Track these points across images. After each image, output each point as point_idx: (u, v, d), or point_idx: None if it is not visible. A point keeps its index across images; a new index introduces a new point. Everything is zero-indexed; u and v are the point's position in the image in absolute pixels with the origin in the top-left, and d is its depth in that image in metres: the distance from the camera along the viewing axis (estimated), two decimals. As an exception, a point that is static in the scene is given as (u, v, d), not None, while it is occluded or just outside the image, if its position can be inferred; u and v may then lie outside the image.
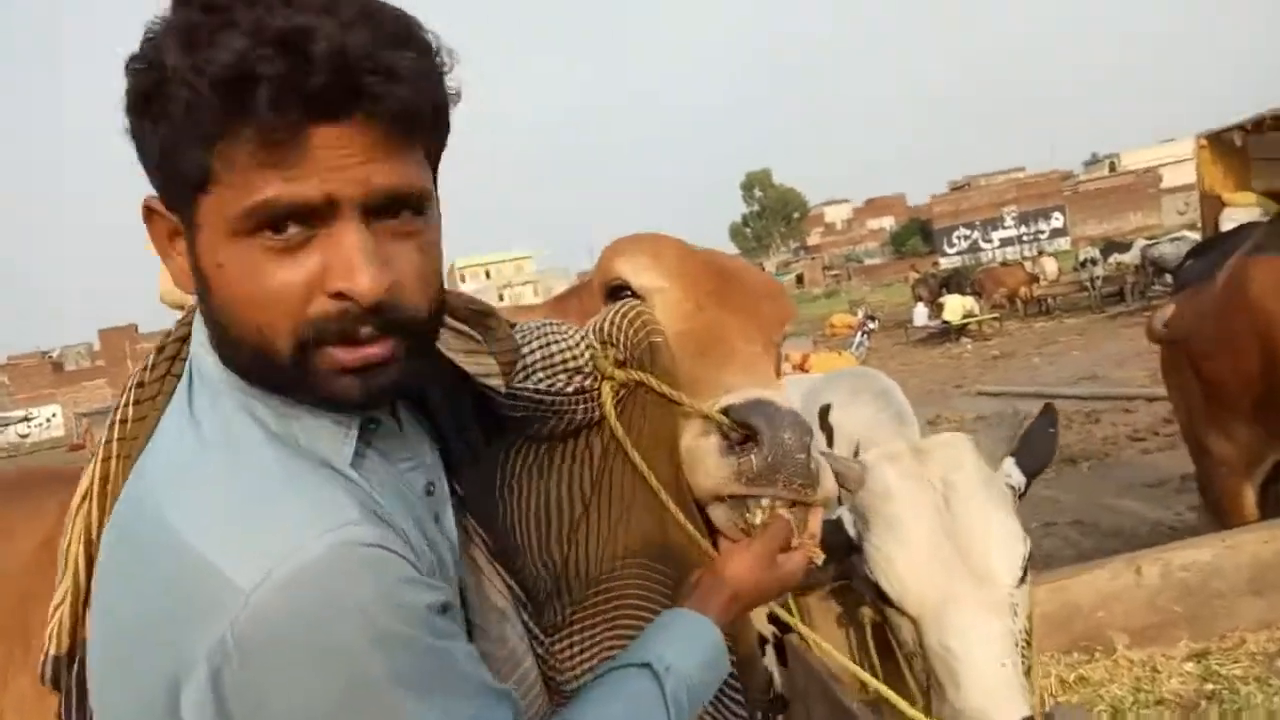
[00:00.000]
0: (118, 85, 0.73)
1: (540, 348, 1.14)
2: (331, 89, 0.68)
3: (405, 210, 0.76)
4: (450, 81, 0.79)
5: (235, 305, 0.74)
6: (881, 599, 1.64)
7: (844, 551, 1.69)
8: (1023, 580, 1.57)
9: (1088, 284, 19.49)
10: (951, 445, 1.70)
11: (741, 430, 1.06)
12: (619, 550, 1.11)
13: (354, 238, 0.72)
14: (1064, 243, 53.10)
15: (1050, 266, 21.98)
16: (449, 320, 0.95)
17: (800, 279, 59.99)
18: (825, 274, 66.96)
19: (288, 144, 0.69)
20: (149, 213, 0.79)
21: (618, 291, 1.28)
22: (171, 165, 0.73)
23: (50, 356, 66.41)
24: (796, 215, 76.43)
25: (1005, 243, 56.54)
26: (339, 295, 0.72)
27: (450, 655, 0.74)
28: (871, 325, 18.56)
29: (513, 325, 1.13)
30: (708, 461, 1.10)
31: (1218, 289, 3.32)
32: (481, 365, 0.99)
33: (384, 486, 0.80)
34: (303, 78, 0.67)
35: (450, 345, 0.96)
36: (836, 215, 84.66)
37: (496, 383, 1.00)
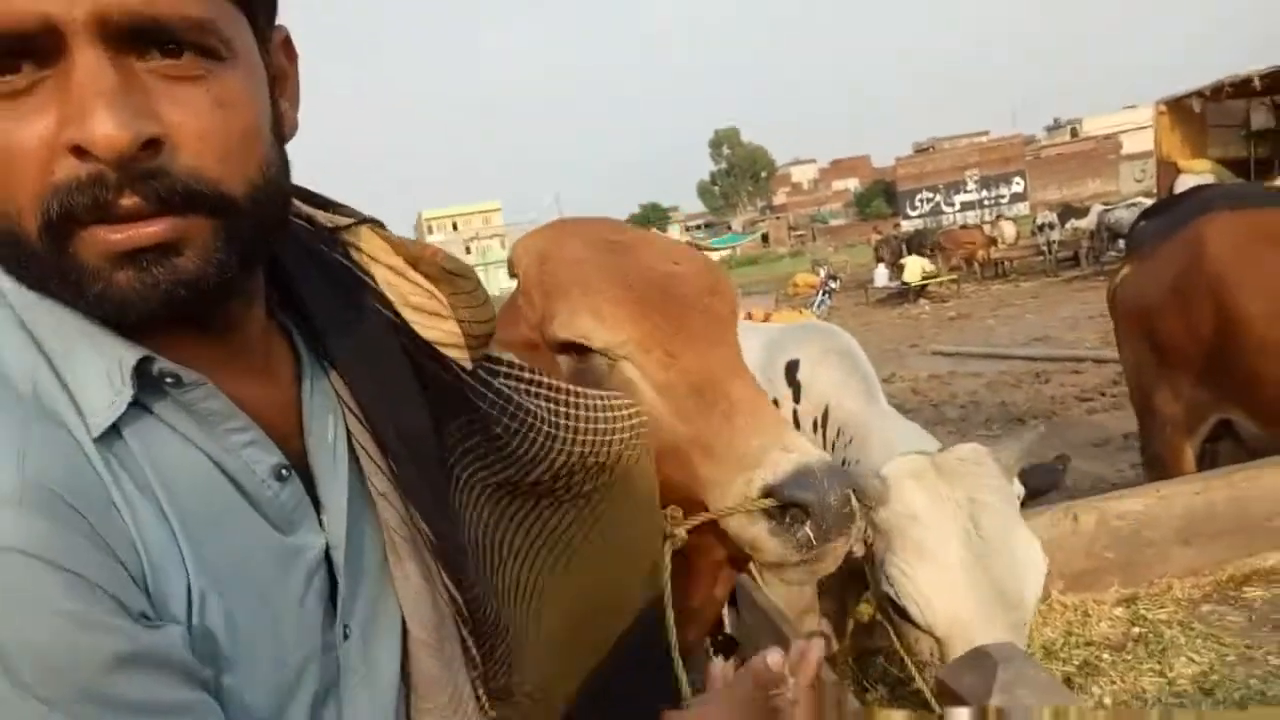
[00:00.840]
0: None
1: (590, 425, 0.99)
2: None
3: (187, 50, 0.59)
4: None
5: None
6: (900, 615, 1.62)
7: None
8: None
9: (1044, 248, 19.78)
10: (975, 462, 1.67)
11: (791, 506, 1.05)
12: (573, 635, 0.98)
13: (87, 71, 0.55)
14: (1023, 207, 53.65)
15: (1009, 230, 22.23)
16: (401, 267, 0.81)
17: (765, 238, 60.10)
18: (790, 234, 67.10)
19: None
20: None
21: (573, 349, 1.18)
22: None
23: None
24: (764, 174, 76.37)
25: (966, 206, 57.01)
26: (78, 150, 0.55)
27: (113, 685, 0.53)
28: (833, 285, 18.68)
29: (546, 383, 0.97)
30: (768, 547, 1.08)
31: (1171, 249, 3.39)
32: (439, 331, 0.83)
33: (165, 457, 0.62)
34: None
35: (408, 301, 0.82)
36: (803, 175, 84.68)
37: (457, 355, 0.84)
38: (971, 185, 58.01)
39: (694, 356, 1.14)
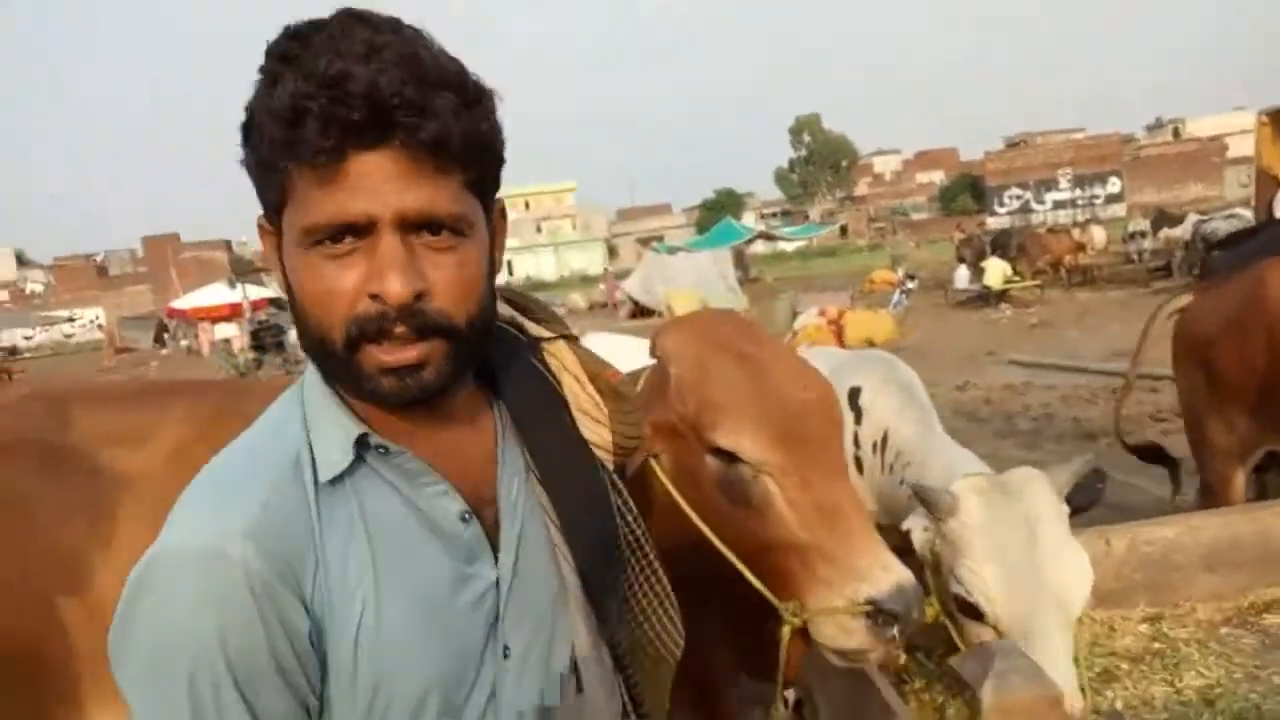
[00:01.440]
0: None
1: None
2: (366, 121, 0.78)
3: (444, 229, 0.84)
4: (491, 119, 0.88)
5: (306, 302, 0.85)
6: (964, 611, 1.89)
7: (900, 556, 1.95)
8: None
9: (1135, 256, 19.28)
10: (1032, 481, 1.93)
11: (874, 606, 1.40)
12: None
13: (387, 250, 0.82)
14: (1119, 209, 51.76)
15: (1099, 235, 21.69)
16: (581, 378, 1.04)
17: (844, 230, 59.24)
18: (870, 226, 65.91)
19: (334, 168, 0.80)
20: (261, 230, 0.92)
21: (726, 455, 1.49)
22: (262, 188, 0.87)
23: (95, 260, 67.54)
24: (845, 164, 74.99)
25: (1059, 205, 55.17)
26: (374, 297, 0.82)
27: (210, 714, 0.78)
28: (911, 285, 18.53)
29: None
30: (860, 636, 1.42)
31: (1235, 286, 3.55)
32: (595, 435, 1.04)
33: (375, 502, 0.87)
34: (343, 111, 0.78)
35: (580, 405, 1.04)
36: (886, 166, 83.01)
37: (602, 455, 1.04)
38: (1065, 183, 56.11)
39: (822, 484, 1.46)
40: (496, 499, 0.95)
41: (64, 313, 50.99)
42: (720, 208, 56.55)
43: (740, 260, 30.74)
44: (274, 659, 0.80)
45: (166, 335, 33.45)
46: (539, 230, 68.62)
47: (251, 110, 0.82)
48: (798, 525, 1.44)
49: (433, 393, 0.87)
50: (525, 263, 65.84)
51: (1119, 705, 2.04)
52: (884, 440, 2.48)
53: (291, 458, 0.87)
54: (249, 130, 0.83)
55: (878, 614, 1.39)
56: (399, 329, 0.82)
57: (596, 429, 1.03)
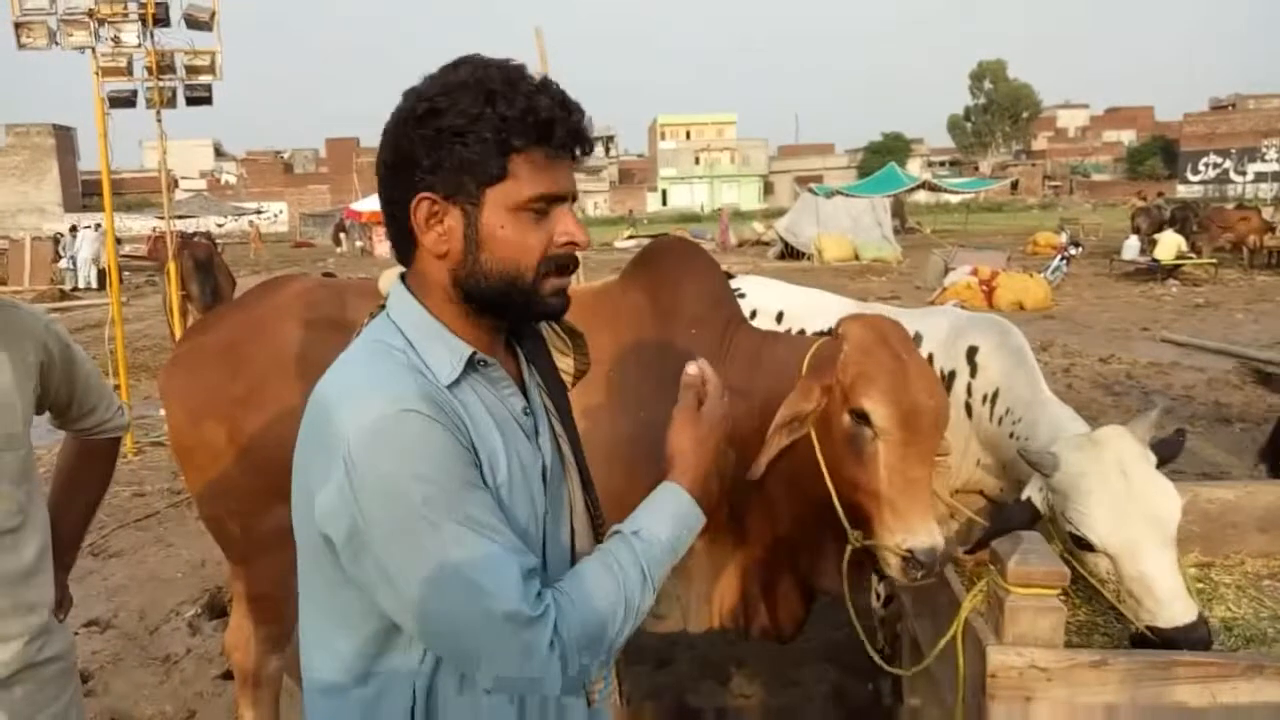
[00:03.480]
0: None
1: None
2: (579, 133, 1.15)
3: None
4: None
5: (504, 250, 1.12)
6: (1080, 546, 2.17)
7: (1031, 522, 2.27)
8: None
9: (1332, 243, 17.85)
10: (1117, 435, 2.27)
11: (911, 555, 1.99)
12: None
13: (572, 214, 1.17)
14: (1333, 187, 46.95)
15: (1294, 216, 20.12)
16: (556, 328, 1.42)
17: (1015, 185, 56.33)
18: (1045, 184, 62.31)
19: (557, 162, 1.13)
20: (420, 202, 1.12)
21: (859, 416, 2.02)
22: (472, 168, 1.10)
23: (282, 157, 71.96)
24: (1025, 115, 70.57)
25: (1261, 178, 50.37)
26: (571, 244, 1.16)
27: (465, 500, 1.03)
28: (1073, 251, 17.76)
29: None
30: (896, 571, 2.03)
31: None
32: (560, 361, 1.41)
33: (481, 399, 1.14)
34: (575, 123, 1.14)
35: (549, 340, 1.40)
36: (1070, 121, 77.57)
37: (566, 378, 1.42)
38: (1272, 154, 51.17)
39: (913, 463, 2.02)
40: (528, 401, 1.26)
41: (253, 204, 54.66)
42: (886, 152, 54.69)
43: (899, 209, 30.08)
44: (472, 467, 1.08)
45: (343, 235, 35.86)
46: (697, 161, 68.47)
47: (464, 110, 1.08)
48: (885, 481, 2.01)
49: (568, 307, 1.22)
50: (680, 193, 65.94)
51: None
52: (994, 395, 2.87)
53: (407, 366, 1.11)
54: (455, 123, 1.08)
55: (911, 559, 1.98)
56: (571, 266, 1.18)
57: (563, 359, 1.43)
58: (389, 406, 1.03)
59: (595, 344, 2.46)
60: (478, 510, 1.04)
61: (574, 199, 1.18)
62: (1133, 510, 2.16)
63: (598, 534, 1.32)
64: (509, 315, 1.20)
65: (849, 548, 2.11)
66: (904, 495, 2.00)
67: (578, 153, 1.16)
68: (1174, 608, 2.07)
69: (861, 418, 2.03)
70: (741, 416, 2.38)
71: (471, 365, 1.15)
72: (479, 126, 1.07)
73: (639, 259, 2.75)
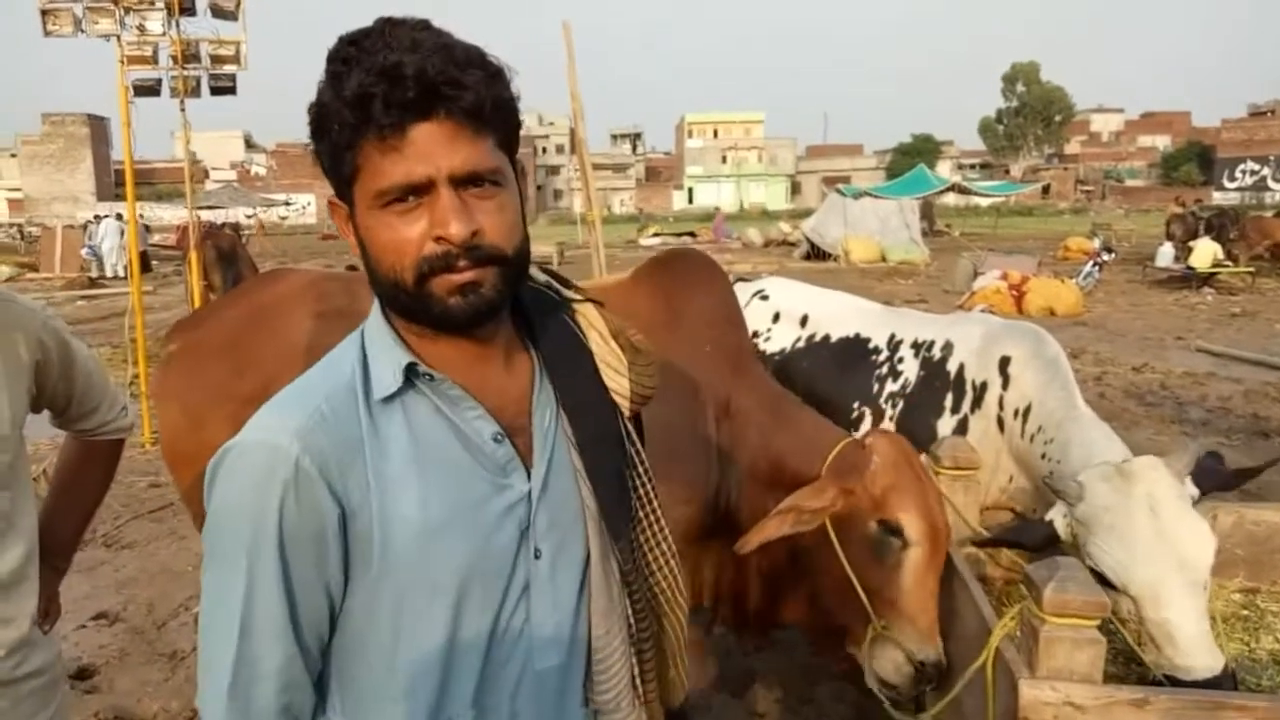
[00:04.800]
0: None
1: None
2: (419, 97, 0.94)
3: (485, 182, 0.99)
4: (510, 89, 1.02)
5: (379, 253, 1.00)
6: (1100, 582, 2.07)
7: (1045, 543, 2.24)
8: (1210, 566, 2.06)
9: (1373, 253, 17.38)
10: (1151, 468, 2.15)
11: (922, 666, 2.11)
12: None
13: (446, 200, 0.96)
14: (1375, 196, 45.97)
15: (1335, 225, 19.62)
16: (605, 335, 1.18)
17: (1047, 190, 55.63)
18: (1077, 188, 61.57)
19: (397, 140, 0.95)
20: (333, 207, 1.07)
21: (890, 527, 2.12)
22: (336, 168, 1.01)
23: (312, 148, 72.90)
24: (1059, 118, 69.78)
25: (1300, 185, 49.64)
26: (440, 239, 0.97)
27: (255, 565, 0.96)
28: (1106, 257, 17.47)
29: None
30: (905, 680, 2.14)
31: None
32: (613, 381, 1.18)
33: (411, 423, 1.02)
34: (400, 91, 0.93)
35: (604, 358, 1.18)
36: (1104, 125, 76.67)
37: (621, 401, 1.18)
38: (1312, 162, 50.24)
39: (935, 574, 2.15)
40: (530, 427, 1.10)
41: (281, 196, 55.02)
42: (916, 153, 54.32)
43: (928, 211, 29.75)
44: (306, 531, 0.97)
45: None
46: (724, 160, 68.22)
47: (321, 106, 0.98)
48: (906, 592, 2.12)
49: (492, 307, 1.02)
50: (706, 192, 65.74)
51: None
52: (1027, 410, 2.74)
53: (347, 380, 1.03)
54: (319, 123, 0.99)
55: (921, 671, 2.10)
56: (461, 263, 0.98)
57: (617, 379, 1.18)
58: (257, 434, 0.99)
59: None
60: (262, 592, 0.98)
61: (465, 178, 0.98)
62: (1159, 552, 2.03)
63: (632, 590, 1.18)
64: (421, 323, 1.04)
65: (869, 631, 2.19)
66: (924, 607, 2.13)
67: (430, 112, 0.95)
68: (1195, 659, 1.95)
69: (892, 529, 2.13)
70: (745, 469, 2.42)
71: (415, 378, 1.04)
72: (326, 122, 0.98)
73: (655, 262, 2.74)
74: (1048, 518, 2.26)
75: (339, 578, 1.01)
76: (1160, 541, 2.04)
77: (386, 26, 0.97)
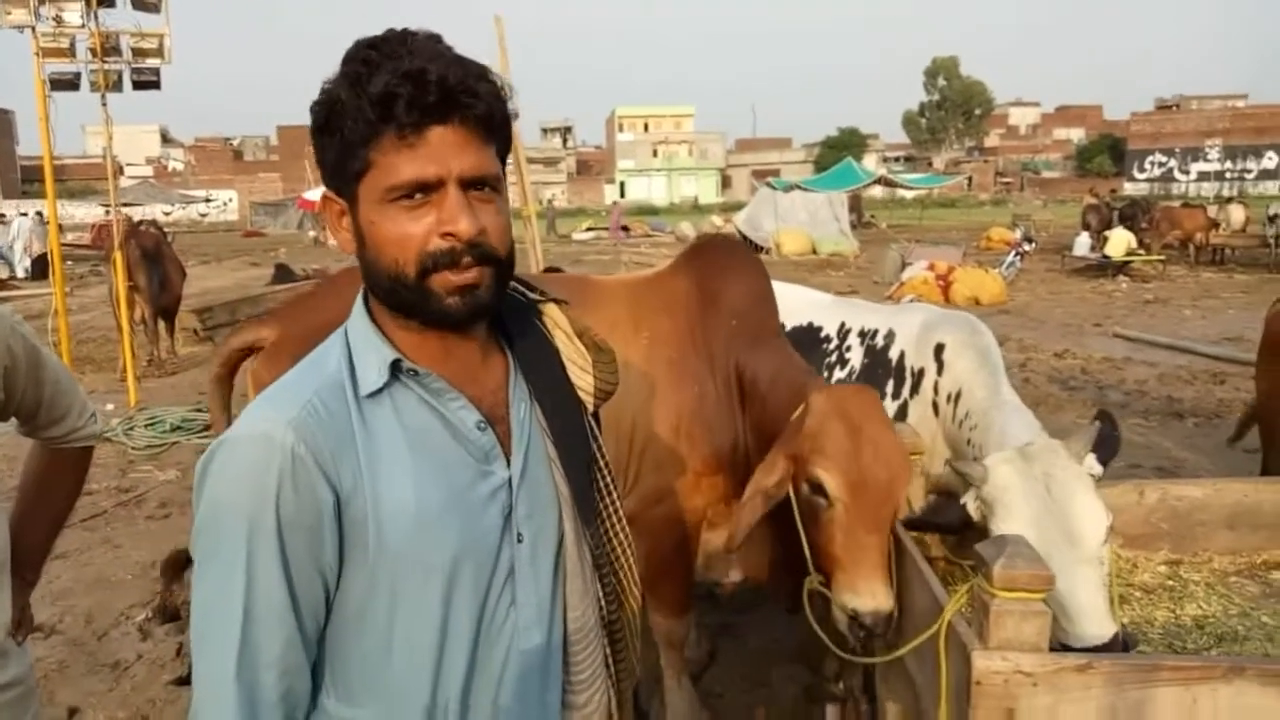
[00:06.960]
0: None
1: None
2: (439, 101, 1.00)
3: (486, 186, 1.05)
4: (510, 106, 1.09)
5: (383, 245, 1.03)
6: None
7: (960, 525, 2.32)
8: (1104, 541, 2.17)
9: (1271, 240, 18.40)
10: (1048, 450, 2.28)
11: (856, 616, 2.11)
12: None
13: (455, 199, 1.02)
14: (1272, 186, 48.47)
15: (1237, 215, 20.61)
16: (570, 334, 1.25)
17: (969, 181, 57.22)
18: (997, 180, 63.51)
19: (415, 138, 1.00)
20: (325, 201, 1.10)
21: (815, 485, 2.15)
22: (341, 163, 1.04)
23: (231, 144, 70.50)
24: (978, 112, 71.79)
25: (1204, 177, 51.93)
26: (447, 235, 1.01)
27: (255, 554, 0.98)
28: (1027, 247, 18.10)
29: None
30: (841, 622, 2.15)
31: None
32: (579, 378, 1.24)
33: (400, 414, 1.06)
34: (424, 95, 0.98)
35: (570, 357, 1.24)
36: (1022, 119, 79.17)
37: (585, 397, 1.25)
38: (1214, 154, 52.70)
39: (865, 529, 2.13)
40: (508, 418, 1.16)
41: (201, 193, 53.34)
42: (843, 147, 55.17)
43: (856, 204, 30.32)
44: (304, 519, 1.00)
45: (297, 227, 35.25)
46: (655, 154, 68.39)
47: (336, 102, 1.01)
48: (838, 545, 2.16)
49: (487, 309, 1.08)
50: (638, 185, 65.82)
51: (1125, 623, 2.50)
52: (958, 396, 2.89)
53: (334, 375, 1.07)
54: (330, 119, 1.02)
55: (856, 619, 2.12)
56: (465, 259, 1.03)
57: (582, 376, 1.25)
58: (250, 427, 1.02)
59: (655, 326, 2.62)
60: (263, 580, 1.00)
61: (471, 181, 1.04)
62: (1051, 526, 2.16)
63: (602, 574, 1.26)
64: (415, 318, 1.08)
65: (806, 583, 2.27)
66: (854, 560, 2.14)
67: (448, 117, 1.01)
68: (1085, 628, 2.08)
69: (816, 487, 2.17)
70: (766, 435, 2.50)
71: (399, 373, 1.08)
72: (339, 119, 1.02)
73: (691, 249, 3.00)
74: (961, 501, 2.38)
75: (334, 563, 1.04)
76: (1051, 518, 2.17)
77: (406, 35, 1.03)
